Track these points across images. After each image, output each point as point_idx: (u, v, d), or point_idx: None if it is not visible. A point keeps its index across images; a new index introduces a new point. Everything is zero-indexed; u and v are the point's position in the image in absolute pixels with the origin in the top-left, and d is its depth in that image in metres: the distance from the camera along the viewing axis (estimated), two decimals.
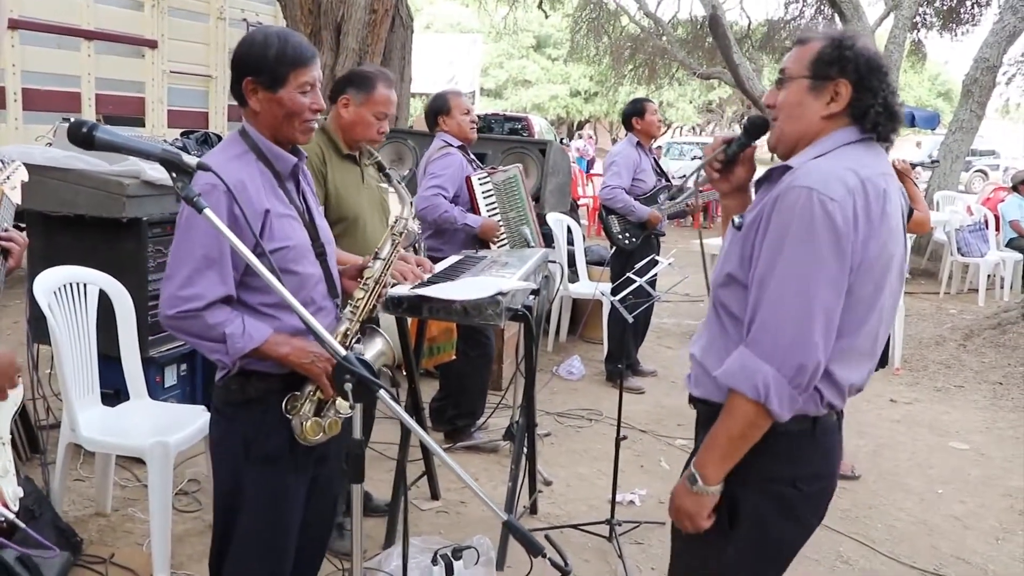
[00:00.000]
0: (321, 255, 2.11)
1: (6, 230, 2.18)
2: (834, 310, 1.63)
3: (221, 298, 1.93)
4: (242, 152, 2.01)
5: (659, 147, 19.29)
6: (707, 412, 1.83)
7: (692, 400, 1.93)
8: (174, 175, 1.65)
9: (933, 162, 10.83)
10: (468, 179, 4.13)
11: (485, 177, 4.19)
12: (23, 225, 3.88)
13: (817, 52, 1.74)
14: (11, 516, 1.62)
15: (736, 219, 1.79)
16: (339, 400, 2.01)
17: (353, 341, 2.09)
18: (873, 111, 1.72)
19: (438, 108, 4.25)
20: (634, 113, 5.42)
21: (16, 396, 2.21)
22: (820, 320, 1.61)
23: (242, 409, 2.03)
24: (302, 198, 2.12)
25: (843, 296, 1.63)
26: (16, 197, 2.31)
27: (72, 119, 1.80)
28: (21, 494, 1.71)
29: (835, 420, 1.81)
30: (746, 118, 1.99)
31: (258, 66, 1.97)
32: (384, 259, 2.18)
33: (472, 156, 4.32)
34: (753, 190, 1.89)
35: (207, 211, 1.63)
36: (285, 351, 1.97)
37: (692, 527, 1.78)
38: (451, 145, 4.18)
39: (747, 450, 1.70)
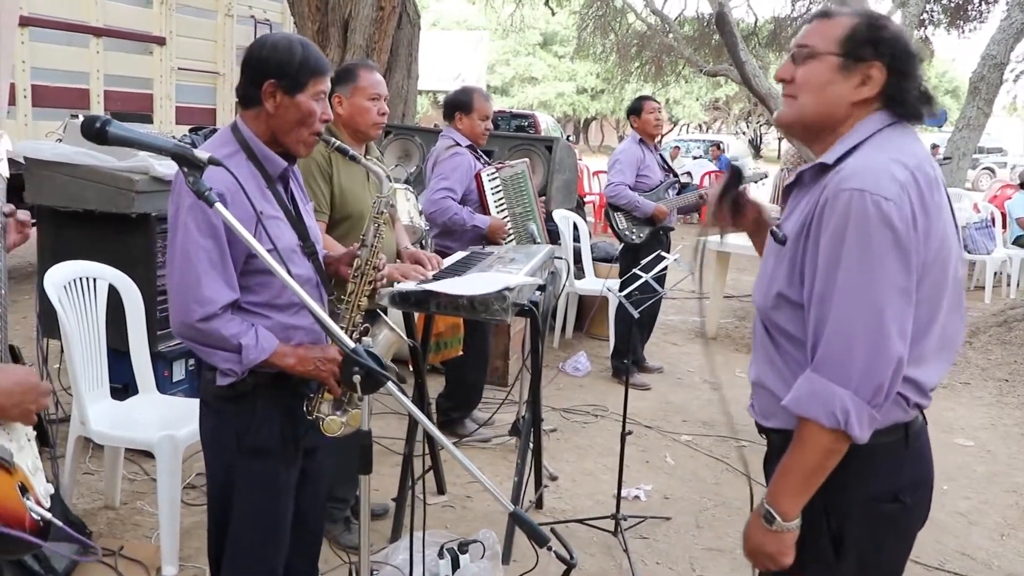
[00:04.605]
0: (311, 255, 2.12)
1: (6, 214, 2.18)
2: (906, 316, 1.51)
3: (231, 302, 1.95)
4: (234, 151, 2.01)
5: (676, 146, 19.26)
6: (781, 441, 1.69)
7: (762, 431, 1.80)
8: (185, 170, 1.67)
9: (945, 159, 10.83)
10: (478, 176, 4.14)
11: (494, 173, 4.20)
12: (33, 221, 3.92)
13: (850, 29, 1.60)
14: (47, 514, 1.63)
15: (777, 231, 1.67)
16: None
17: (358, 335, 2.12)
18: (913, 97, 1.61)
19: (460, 104, 4.23)
20: (633, 112, 5.47)
21: None
22: (894, 331, 1.49)
23: (232, 403, 2.04)
24: (291, 199, 2.13)
25: (912, 300, 1.51)
26: (3, 170, 2.29)
27: (81, 115, 1.81)
28: (52, 490, 1.72)
29: (922, 422, 1.69)
30: (726, 172, 1.92)
31: (282, 70, 1.98)
32: (369, 245, 2.18)
33: (480, 153, 4.32)
34: (780, 196, 1.85)
35: (218, 206, 1.65)
36: (291, 362, 2.00)
37: (776, 567, 1.65)
38: (459, 144, 4.19)
39: (824, 478, 1.57)
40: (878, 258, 1.48)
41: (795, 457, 1.58)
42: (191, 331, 1.95)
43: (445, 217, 4.06)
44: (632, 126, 5.50)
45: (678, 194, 5.55)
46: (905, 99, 1.61)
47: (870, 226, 1.47)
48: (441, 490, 3.79)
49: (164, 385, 3.75)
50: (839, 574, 1.67)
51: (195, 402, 3.48)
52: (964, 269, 1.72)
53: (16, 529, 1.55)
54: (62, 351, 3.15)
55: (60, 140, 4.15)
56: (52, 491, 1.72)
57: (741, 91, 24.74)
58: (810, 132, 1.69)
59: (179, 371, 3.95)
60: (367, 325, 2.14)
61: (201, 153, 1.67)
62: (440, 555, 2.90)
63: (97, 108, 6.82)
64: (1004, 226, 9.74)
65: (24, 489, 1.62)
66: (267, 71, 1.99)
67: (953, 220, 1.65)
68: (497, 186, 4.19)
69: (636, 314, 3.43)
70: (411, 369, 3.62)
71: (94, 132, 1.63)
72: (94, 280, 3.29)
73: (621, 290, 3.56)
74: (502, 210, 4.19)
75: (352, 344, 1.63)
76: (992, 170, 27.14)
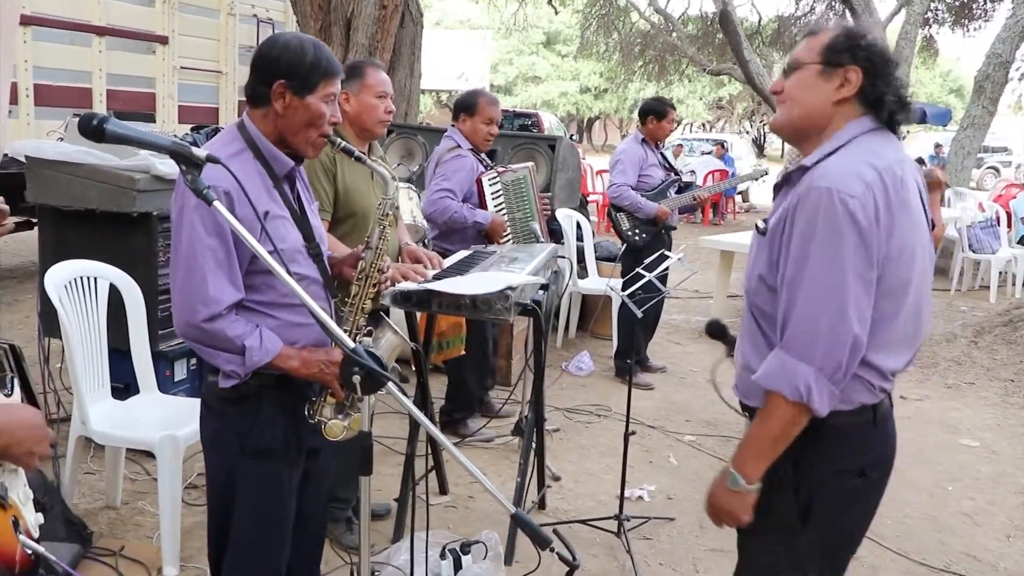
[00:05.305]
0: (316, 256, 2.10)
1: None
2: (866, 303, 1.66)
3: (236, 302, 1.93)
4: (240, 150, 1.99)
5: (679, 144, 19.19)
6: None
7: (745, 408, 1.93)
8: (183, 168, 1.65)
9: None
10: (479, 179, 4.12)
11: (495, 177, 4.17)
12: (35, 220, 3.91)
13: (830, 40, 1.77)
14: (39, 548, 1.60)
15: (760, 224, 1.82)
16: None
17: (361, 336, 2.10)
18: (888, 99, 1.75)
19: (465, 105, 4.21)
20: (653, 112, 5.39)
21: None
22: (853, 315, 1.64)
23: (235, 405, 2.02)
24: (296, 199, 2.11)
25: (873, 290, 1.66)
26: None
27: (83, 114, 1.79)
28: (42, 520, 1.70)
29: (888, 405, 1.85)
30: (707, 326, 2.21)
31: (293, 70, 1.96)
32: (374, 248, 2.16)
33: (483, 156, 4.29)
34: (772, 194, 1.93)
35: (217, 204, 1.63)
36: (295, 364, 1.99)
37: (733, 523, 1.84)
38: (461, 147, 4.15)
39: (784, 447, 1.73)
40: (843, 249, 1.63)
41: (760, 426, 1.74)
42: (195, 331, 1.93)
43: (445, 216, 4.04)
44: (645, 126, 5.43)
45: (678, 193, 5.52)
46: (883, 100, 1.75)
47: (837, 220, 1.63)
48: (443, 490, 3.78)
49: (165, 385, 3.74)
50: (800, 541, 1.82)
51: (196, 402, 3.47)
52: (933, 264, 1.92)
53: (7, 566, 1.53)
54: (63, 350, 3.14)
55: (62, 139, 4.15)
56: (42, 520, 1.69)
57: (745, 90, 24.75)
58: (799, 133, 1.84)
59: (180, 370, 3.94)
60: (370, 328, 2.12)
61: (199, 151, 1.66)
62: (442, 556, 2.89)
63: (99, 107, 6.80)
64: (1009, 225, 9.72)
65: (16, 522, 1.60)
66: (277, 71, 1.97)
67: (925, 216, 1.79)
68: (498, 190, 4.17)
69: (639, 313, 3.41)
70: (413, 369, 3.61)
71: (91, 129, 1.61)
72: (95, 279, 3.28)
73: (624, 289, 3.55)
74: (501, 213, 4.17)
75: (352, 344, 1.61)
76: (997, 169, 27.08)
